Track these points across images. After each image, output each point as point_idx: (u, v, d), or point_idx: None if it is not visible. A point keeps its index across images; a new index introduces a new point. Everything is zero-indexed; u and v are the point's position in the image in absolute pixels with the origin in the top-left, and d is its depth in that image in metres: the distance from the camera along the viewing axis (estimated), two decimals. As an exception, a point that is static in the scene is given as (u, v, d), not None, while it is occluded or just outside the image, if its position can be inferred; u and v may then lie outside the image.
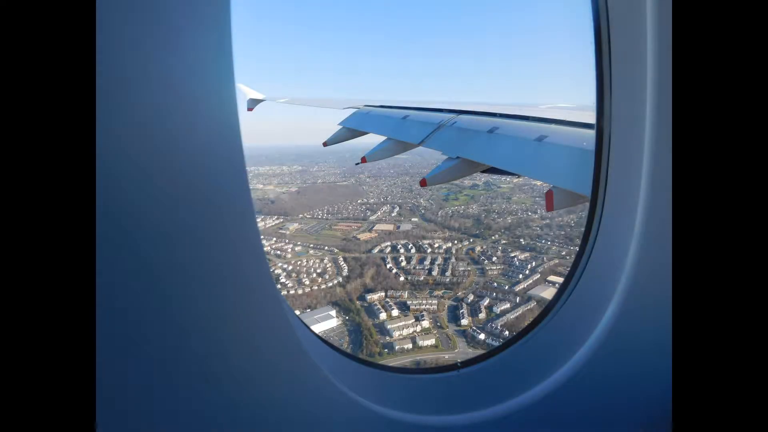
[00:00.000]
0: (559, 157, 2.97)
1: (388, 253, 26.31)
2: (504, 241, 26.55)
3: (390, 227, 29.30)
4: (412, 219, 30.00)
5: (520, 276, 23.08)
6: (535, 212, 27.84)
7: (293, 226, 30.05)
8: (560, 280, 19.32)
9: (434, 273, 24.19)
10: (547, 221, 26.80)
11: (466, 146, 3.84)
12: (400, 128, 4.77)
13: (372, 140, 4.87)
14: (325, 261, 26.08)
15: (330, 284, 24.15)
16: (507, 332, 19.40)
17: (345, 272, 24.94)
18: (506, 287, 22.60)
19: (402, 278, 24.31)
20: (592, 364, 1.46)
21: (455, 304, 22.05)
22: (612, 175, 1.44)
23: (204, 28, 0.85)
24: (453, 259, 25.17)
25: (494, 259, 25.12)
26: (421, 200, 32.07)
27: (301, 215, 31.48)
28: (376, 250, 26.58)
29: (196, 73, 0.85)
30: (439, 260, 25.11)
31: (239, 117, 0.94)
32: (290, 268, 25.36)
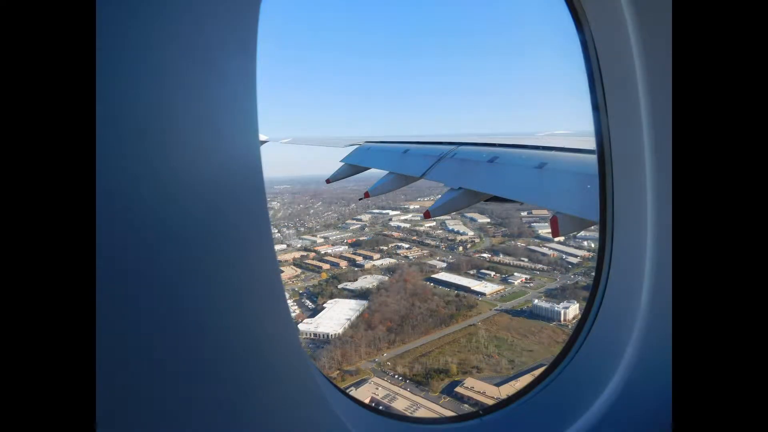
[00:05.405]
0: (561, 183, 3.00)
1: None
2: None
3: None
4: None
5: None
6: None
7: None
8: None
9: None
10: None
11: (468, 176, 3.89)
12: (402, 162, 4.85)
13: (376, 174, 4.95)
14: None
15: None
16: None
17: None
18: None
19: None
20: (620, 402, 1.39)
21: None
22: (617, 198, 1.45)
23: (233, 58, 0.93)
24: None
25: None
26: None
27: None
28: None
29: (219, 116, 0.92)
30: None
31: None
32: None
